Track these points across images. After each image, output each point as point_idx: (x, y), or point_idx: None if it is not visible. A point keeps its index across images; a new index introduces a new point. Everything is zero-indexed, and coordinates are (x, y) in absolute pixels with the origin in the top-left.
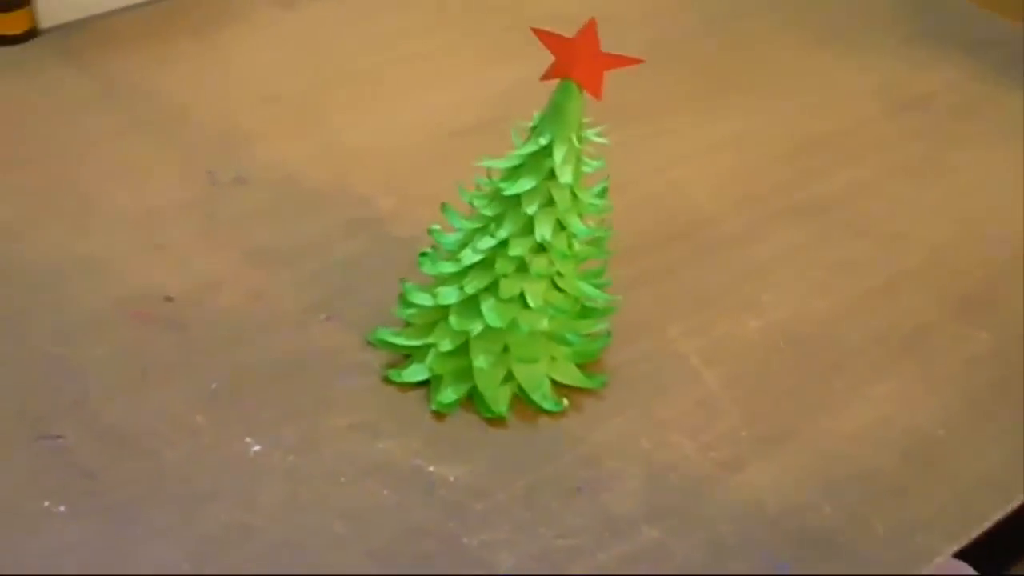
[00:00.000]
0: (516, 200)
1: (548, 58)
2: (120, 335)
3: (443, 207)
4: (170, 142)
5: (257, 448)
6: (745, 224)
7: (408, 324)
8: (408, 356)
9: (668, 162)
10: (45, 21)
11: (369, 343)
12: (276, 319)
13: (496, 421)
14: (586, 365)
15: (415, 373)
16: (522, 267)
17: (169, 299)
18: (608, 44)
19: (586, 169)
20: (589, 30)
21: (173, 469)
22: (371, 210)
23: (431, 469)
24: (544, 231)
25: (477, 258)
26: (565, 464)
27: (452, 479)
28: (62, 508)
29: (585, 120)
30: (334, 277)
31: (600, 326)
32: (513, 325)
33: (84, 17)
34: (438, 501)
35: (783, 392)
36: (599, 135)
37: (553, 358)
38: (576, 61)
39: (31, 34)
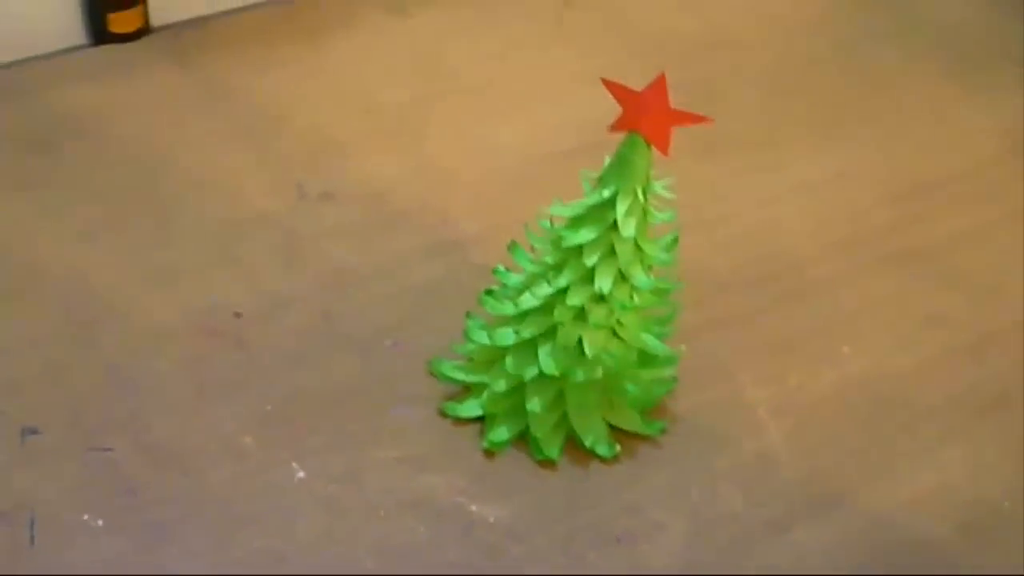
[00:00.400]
0: (577, 250)
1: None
2: (184, 349)
3: (511, 246)
4: (264, 151)
5: (301, 475)
6: (838, 269)
7: (470, 359)
8: (468, 389)
9: (770, 197)
10: (157, 20)
11: (431, 373)
12: (341, 342)
13: (546, 463)
14: (647, 410)
15: (471, 409)
16: (580, 316)
17: (238, 315)
18: (725, 69)
19: (653, 221)
20: (658, 85)
21: (215, 491)
22: (455, 233)
23: (473, 508)
24: (604, 283)
25: (535, 303)
26: (609, 511)
27: (492, 520)
28: (100, 522)
29: (653, 172)
30: (407, 302)
31: (664, 373)
32: (568, 373)
33: (195, 17)
34: (474, 542)
35: (848, 451)
36: (666, 188)
37: (612, 402)
38: (644, 115)
39: (143, 32)
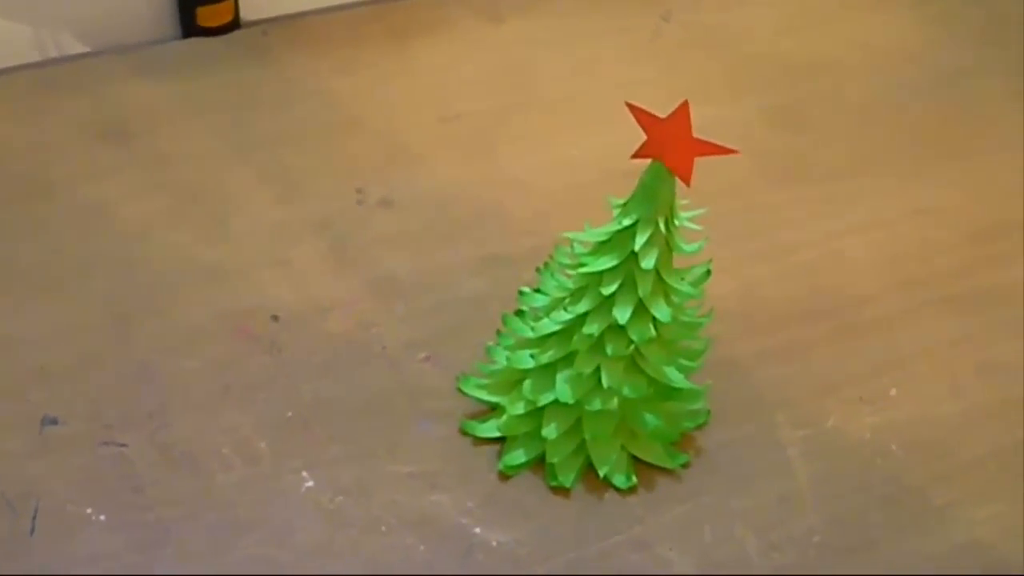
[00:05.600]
0: (597, 277)
1: (755, 102)
2: (216, 349)
3: (541, 268)
4: (330, 153)
5: (310, 484)
6: (899, 308)
7: (493, 379)
8: (492, 409)
9: (841, 229)
10: (248, 14)
11: (458, 390)
12: (375, 353)
13: (560, 490)
14: (674, 443)
15: (490, 429)
16: (598, 345)
17: (275, 318)
18: (817, 95)
19: (679, 252)
20: (681, 113)
21: (221, 494)
22: (510, 248)
23: (476, 531)
24: (622, 313)
25: (554, 328)
26: (616, 544)
27: (495, 544)
28: (103, 517)
29: (683, 202)
30: (447, 315)
31: (688, 407)
32: (585, 401)
33: (286, 14)
34: (473, 565)
35: (876, 500)
36: (694, 220)
37: (634, 432)
38: (667, 143)
39: (232, 26)
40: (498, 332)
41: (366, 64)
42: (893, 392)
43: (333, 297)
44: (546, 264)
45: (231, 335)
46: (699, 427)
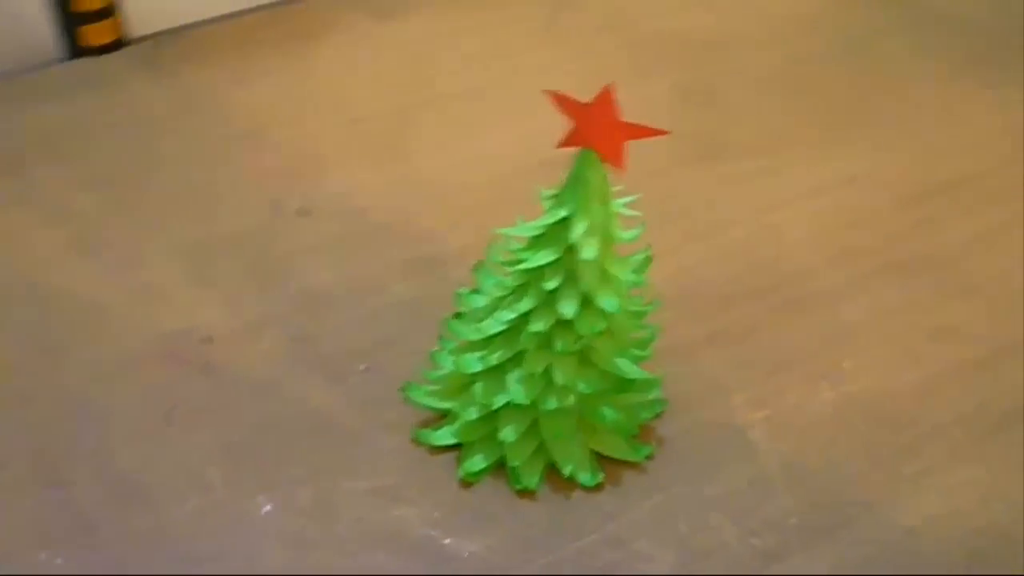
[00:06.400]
0: (538, 273)
1: (662, 82)
2: (152, 376)
3: (476, 267)
4: (241, 166)
5: (268, 508)
6: (841, 279)
7: (441, 385)
8: (443, 416)
9: (771, 204)
10: (134, 30)
11: (405, 399)
12: (314, 368)
13: (525, 493)
14: (634, 435)
15: (444, 437)
16: (546, 343)
17: (208, 340)
18: (727, 70)
19: (619, 240)
20: (605, 97)
21: (178, 527)
22: (435, 249)
23: (446, 542)
24: (567, 308)
25: (499, 328)
26: (591, 544)
27: (466, 554)
28: (59, 561)
29: (615, 188)
30: (382, 323)
31: (645, 397)
32: (540, 401)
33: (173, 27)
34: None
35: (847, 476)
36: (629, 206)
37: (594, 427)
38: (594, 129)
39: (118, 44)
40: (439, 337)
41: (263, 72)
42: (847, 365)
43: (263, 313)
44: (480, 263)
45: (164, 361)
46: (657, 417)
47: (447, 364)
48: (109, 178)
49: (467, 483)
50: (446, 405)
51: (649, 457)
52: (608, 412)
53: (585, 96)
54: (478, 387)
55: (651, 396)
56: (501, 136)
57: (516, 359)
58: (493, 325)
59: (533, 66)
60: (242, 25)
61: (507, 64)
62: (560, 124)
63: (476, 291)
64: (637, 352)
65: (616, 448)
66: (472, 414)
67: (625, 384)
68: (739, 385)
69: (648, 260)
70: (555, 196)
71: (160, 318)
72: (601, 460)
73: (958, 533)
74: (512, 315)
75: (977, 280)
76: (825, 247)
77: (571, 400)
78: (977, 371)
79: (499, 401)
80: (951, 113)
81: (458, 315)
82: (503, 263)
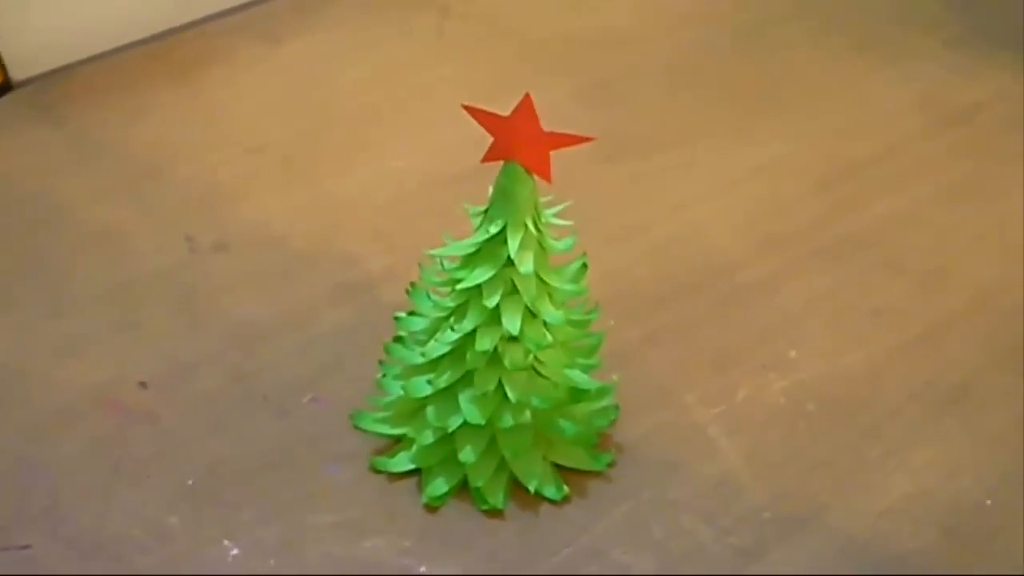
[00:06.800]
0: (477, 291)
1: (561, 86)
2: (92, 428)
3: (410, 289)
4: (148, 204)
5: (235, 552)
6: (772, 269)
7: (391, 411)
8: (397, 441)
9: (689, 198)
10: (17, 73)
11: (355, 428)
12: (257, 404)
13: (493, 512)
14: (593, 445)
15: (402, 463)
16: (495, 359)
17: (143, 385)
18: (622, 68)
19: (553, 251)
20: (525, 107)
21: None
22: (360, 272)
23: (422, 569)
24: (512, 323)
25: (444, 350)
26: (567, 557)
27: None
28: None
29: (543, 199)
30: (320, 352)
31: (599, 405)
32: (496, 418)
33: (58, 67)
34: None
35: (811, 465)
36: (559, 215)
37: (551, 440)
38: (517, 141)
39: (2, 89)
40: (380, 362)
41: (156, 106)
42: (793, 354)
43: (195, 353)
44: (414, 285)
45: (103, 410)
46: (611, 424)
47: (395, 389)
48: (14, 228)
49: (432, 508)
50: (398, 431)
51: (611, 465)
52: (566, 424)
53: (494, 106)
54: (430, 411)
55: (603, 404)
56: (406, 152)
57: (466, 379)
58: (438, 348)
59: (428, 79)
60: (128, 60)
61: (402, 79)
62: (465, 136)
63: (414, 313)
64: (586, 361)
65: (576, 459)
66: (428, 438)
67: (579, 394)
68: (688, 384)
69: (584, 268)
70: (484, 212)
71: (90, 368)
72: (563, 472)
73: (931, 511)
74: (456, 335)
75: (903, 257)
76: (749, 238)
77: (527, 416)
78: (920, 348)
79: (454, 423)
80: (854, 93)
81: (398, 339)
82: (438, 284)
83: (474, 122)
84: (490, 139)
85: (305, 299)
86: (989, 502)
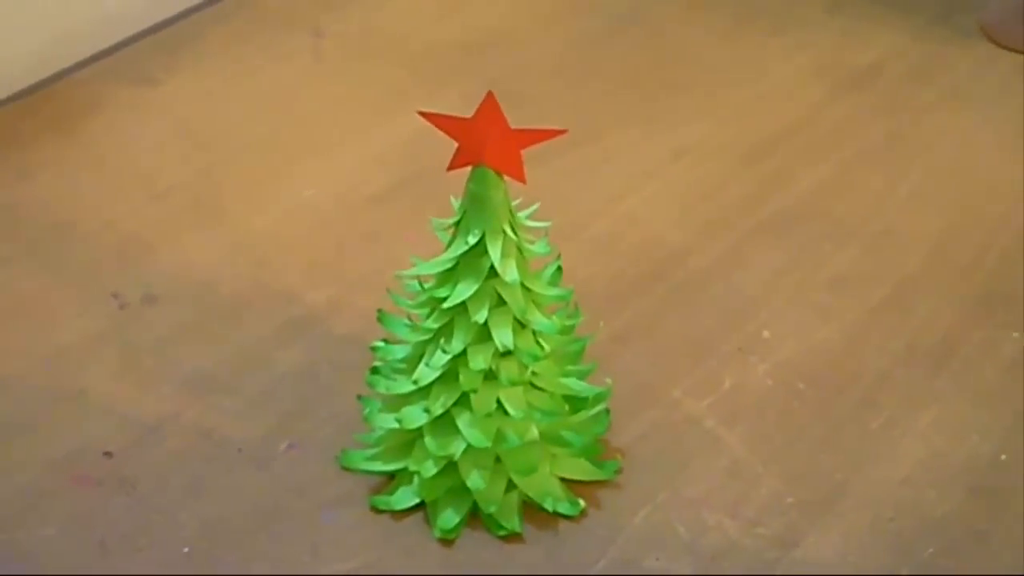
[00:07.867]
0: (462, 308)
1: (452, 93)
2: (67, 506)
3: (380, 316)
4: (60, 267)
5: None
6: (719, 252)
7: (381, 446)
8: (392, 477)
9: (619, 190)
10: None
11: (344, 468)
12: (233, 458)
13: (511, 537)
14: (596, 454)
15: (405, 499)
16: (491, 377)
17: (108, 454)
18: (516, 66)
19: (531, 256)
20: (489, 106)
21: None
22: (303, 307)
23: None
24: (504, 337)
25: (435, 375)
26: (602, 571)
27: None
28: None
29: (514, 202)
30: (282, 395)
31: (596, 410)
32: (500, 439)
33: None
34: None
35: (818, 442)
36: (532, 217)
37: (554, 455)
38: (484, 143)
39: None
40: (359, 397)
41: (42, 164)
42: (766, 334)
43: (153, 413)
44: (383, 312)
45: (72, 487)
46: (607, 429)
47: (386, 423)
48: None
49: (446, 541)
50: (393, 466)
51: (618, 472)
52: (571, 436)
53: (392, 120)
54: (429, 440)
55: (597, 410)
56: (314, 179)
57: (462, 403)
58: (429, 373)
59: (315, 103)
60: (3, 117)
61: (288, 106)
62: (367, 155)
63: (388, 341)
64: (575, 367)
65: (583, 470)
66: (430, 469)
67: (577, 403)
68: (670, 379)
69: (560, 271)
70: (456, 223)
71: (45, 443)
72: (571, 486)
73: (949, 474)
74: (446, 358)
75: (846, 224)
76: (689, 223)
77: (533, 432)
78: (889, 312)
79: (458, 449)
80: (750, 66)
81: (375, 370)
82: (413, 306)
83: (374, 141)
84: (385, 157)
85: (252, 342)
86: (1004, 456)
